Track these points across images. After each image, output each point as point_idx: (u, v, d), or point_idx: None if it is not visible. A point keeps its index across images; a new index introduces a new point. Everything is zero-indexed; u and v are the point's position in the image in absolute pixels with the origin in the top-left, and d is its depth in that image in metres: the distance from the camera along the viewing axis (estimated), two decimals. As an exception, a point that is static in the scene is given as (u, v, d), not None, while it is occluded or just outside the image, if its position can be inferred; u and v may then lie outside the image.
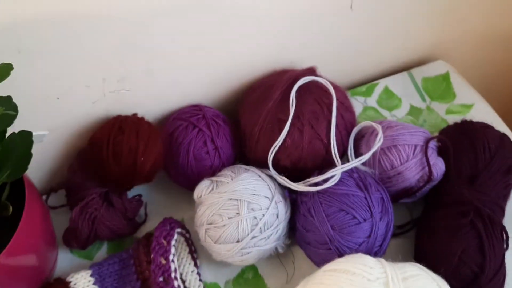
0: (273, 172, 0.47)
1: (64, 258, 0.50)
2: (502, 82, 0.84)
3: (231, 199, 0.44)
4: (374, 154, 0.48)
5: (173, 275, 0.43)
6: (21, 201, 0.39)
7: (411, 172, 0.48)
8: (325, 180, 0.45)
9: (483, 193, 0.47)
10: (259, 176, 0.46)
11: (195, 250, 0.49)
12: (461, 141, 0.51)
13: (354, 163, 0.46)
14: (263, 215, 0.44)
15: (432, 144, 0.49)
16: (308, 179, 0.46)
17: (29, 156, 0.37)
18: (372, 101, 0.63)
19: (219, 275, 0.49)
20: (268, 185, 0.46)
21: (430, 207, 0.50)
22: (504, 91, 0.85)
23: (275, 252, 0.47)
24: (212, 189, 0.46)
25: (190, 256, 0.49)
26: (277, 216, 0.45)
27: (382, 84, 0.65)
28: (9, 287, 0.42)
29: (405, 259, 0.48)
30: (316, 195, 0.45)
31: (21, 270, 0.42)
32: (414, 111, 0.62)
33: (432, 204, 0.51)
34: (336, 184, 0.45)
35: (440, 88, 0.64)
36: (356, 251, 0.44)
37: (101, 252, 0.51)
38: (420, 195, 0.50)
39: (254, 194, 0.44)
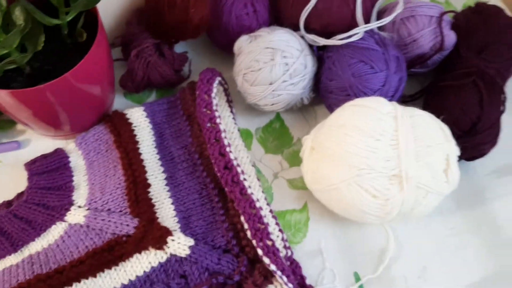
0: (303, 31, 0.53)
1: (119, 103, 0.58)
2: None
3: (267, 47, 0.51)
4: (394, 23, 0.55)
5: (214, 107, 0.51)
6: (91, 37, 0.47)
7: (425, 39, 0.54)
8: (349, 37, 0.52)
9: (488, 60, 0.53)
10: (292, 34, 0.53)
11: (231, 100, 0.57)
12: (474, 19, 0.56)
13: (376, 24, 0.52)
14: (294, 63, 0.51)
15: (447, 18, 0.55)
16: (334, 37, 0.53)
17: (102, -12, 0.45)
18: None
19: (251, 123, 0.57)
20: (299, 40, 0.52)
21: (439, 75, 0.57)
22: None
23: (300, 103, 0.55)
24: (251, 41, 0.53)
25: (227, 104, 0.56)
26: (305, 67, 0.52)
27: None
28: (77, 108, 0.51)
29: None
30: (341, 49, 0.52)
31: (87, 95, 0.50)
32: None
33: (439, 73, 0.57)
34: (358, 41, 0.51)
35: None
36: (371, 96, 0.51)
37: (151, 98, 0.59)
38: (431, 65, 0.57)
39: (287, 45, 0.51)
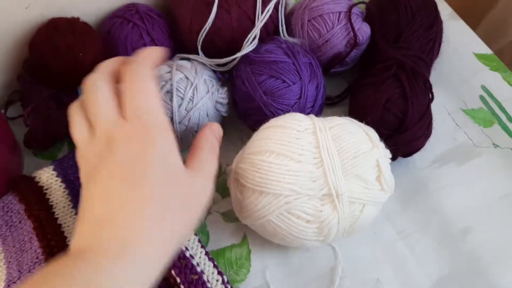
0: (201, 54, 0.50)
1: (30, 163, 0.54)
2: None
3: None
4: (302, 26, 0.51)
5: None
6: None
7: (337, 38, 0.51)
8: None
9: (406, 48, 0.51)
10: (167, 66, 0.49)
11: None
12: (384, 5, 0.53)
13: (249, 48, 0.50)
14: (167, 82, 0.46)
15: (356, 10, 0.52)
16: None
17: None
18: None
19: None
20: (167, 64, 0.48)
21: (361, 72, 0.54)
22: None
23: (219, 117, 0.50)
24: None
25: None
26: (187, 78, 0.47)
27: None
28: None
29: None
30: (248, 67, 0.48)
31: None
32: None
33: (362, 68, 0.54)
34: (265, 54, 0.48)
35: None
36: (289, 112, 0.47)
37: (63, 152, 0.54)
38: (351, 62, 0.54)
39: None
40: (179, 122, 0.46)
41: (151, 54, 0.38)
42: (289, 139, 0.41)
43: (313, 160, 0.40)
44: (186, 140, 0.48)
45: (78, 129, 0.36)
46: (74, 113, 0.37)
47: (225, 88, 0.50)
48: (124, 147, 0.33)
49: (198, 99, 0.46)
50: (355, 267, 0.47)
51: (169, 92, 0.46)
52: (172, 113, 0.46)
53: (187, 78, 0.47)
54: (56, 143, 0.53)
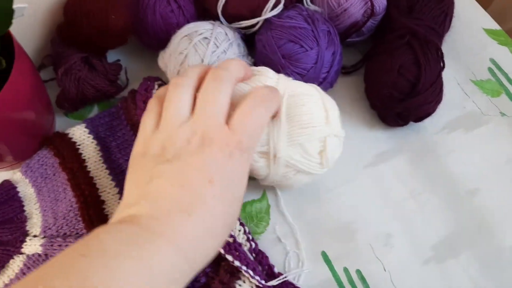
0: (221, 17, 0.53)
1: (62, 122, 0.57)
2: None
3: (181, 38, 0.51)
4: (322, -5, 0.54)
5: None
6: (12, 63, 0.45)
7: (355, 7, 0.53)
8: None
9: (419, 19, 0.53)
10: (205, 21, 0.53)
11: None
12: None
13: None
14: (211, 34, 0.50)
15: (374, -18, 0.55)
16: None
17: (10, 11, 0.43)
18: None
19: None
20: (210, 23, 0.52)
21: (375, 41, 0.57)
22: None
23: None
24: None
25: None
26: (226, 34, 0.51)
27: None
28: (14, 137, 0.49)
29: (357, 93, 0.56)
30: (269, 31, 0.51)
31: (21, 122, 0.48)
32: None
33: (376, 38, 0.57)
34: (286, 19, 0.51)
35: None
36: (305, 76, 0.50)
37: (93, 113, 0.57)
38: (367, 32, 0.56)
39: (197, 27, 0.51)
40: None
41: (238, 68, 0.40)
42: None
43: None
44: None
45: (149, 118, 0.40)
46: (153, 105, 0.40)
47: (251, 58, 0.53)
48: (218, 150, 0.35)
49: (230, 54, 0.50)
50: (367, 223, 0.50)
51: (207, 39, 0.50)
52: (204, 55, 0.49)
53: (226, 34, 0.50)
54: (86, 104, 0.56)
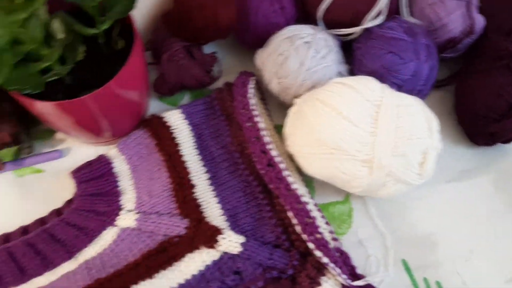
0: (320, 22, 0.55)
1: (154, 106, 0.59)
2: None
3: (283, 39, 0.52)
4: (422, 9, 0.55)
5: (251, 107, 0.52)
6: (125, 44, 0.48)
7: (454, 23, 0.54)
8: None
9: (519, 42, 0.54)
10: (306, 25, 0.54)
11: (265, 98, 0.58)
12: (500, 1, 0.57)
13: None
14: (313, 39, 0.52)
15: (475, 1, 0.55)
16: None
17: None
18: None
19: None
20: (312, 27, 0.54)
21: (469, 60, 0.57)
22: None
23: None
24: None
25: (261, 102, 0.57)
26: (326, 40, 0.53)
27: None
28: (118, 115, 0.52)
29: (444, 108, 0.57)
30: (369, 40, 0.52)
31: (127, 101, 0.51)
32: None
33: (470, 57, 0.57)
34: (386, 30, 0.52)
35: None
36: (401, 87, 0.51)
37: (184, 100, 0.60)
38: (462, 49, 0.57)
39: (299, 30, 0.53)
40: (306, 70, 0.51)
41: None
42: (354, 104, 0.45)
43: (370, 128, 0.44)
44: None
45: None
46: None
47: (348, 66, 0.54)
48: None
49: (328, 61, 0.51)
50: (449, 236, 0.51)
51: (308, 43, 0.51)
52: (304, 59, 0.51)
53: (326, 40, 0.52)
54: (181, 90, 0.59)
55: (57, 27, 0.43)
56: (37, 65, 0.43)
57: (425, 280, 0.48)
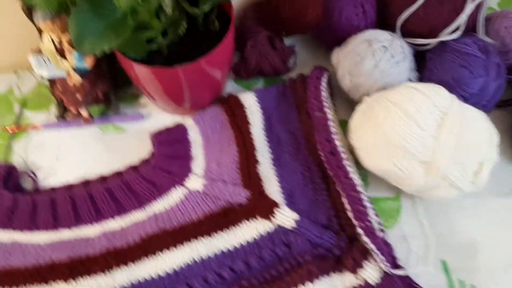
0: (398, 31, 0.59)
1: (229, 86, 0.65)
2: None
3: (361, 41, 0.56)
4: (498, 31, 0.57)
5: (323, 99, 0.57)
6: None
7: (527, 48, 0.57)
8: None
9: None
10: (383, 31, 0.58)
11: (333, 94, 0.62)
12: None
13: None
14: (390, 44, 0.55)
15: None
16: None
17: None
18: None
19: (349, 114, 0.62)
20: (390, 34, 0.57)
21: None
22: None
23: None
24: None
25: (330, 97, 0.62)
26: (402, 47, 0.56)
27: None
28: (200, 90, 0.57)
29: (504, 127, 0.59)
30: (444, 53, 0.56)
31: (210, 78, 0.56)
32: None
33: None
34: (462, 45, 0.55)
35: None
36: (468, 100, 0.54)
37: (258, 85, 0.65)
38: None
39: (378, 35, 0.57)
40: (380, 72, 0.55)
41: None
42: (424, 109, 0.48)
43: (434, 132, 0.48)
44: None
45: None
46: None
47: (417, 73, 0.58)
48: None
49: (401, 66, 0.55)
50: (492, 246, 0.53)
51: (385, 48, 0.55)
52: (379, 61, 0.55)
53: (402, 47, 0.55)
54: (257, 76, 0.64)
55: (168, 3, 0.49)
56: (145, 34, 0.49)
57: (461, 282, 0.51)
